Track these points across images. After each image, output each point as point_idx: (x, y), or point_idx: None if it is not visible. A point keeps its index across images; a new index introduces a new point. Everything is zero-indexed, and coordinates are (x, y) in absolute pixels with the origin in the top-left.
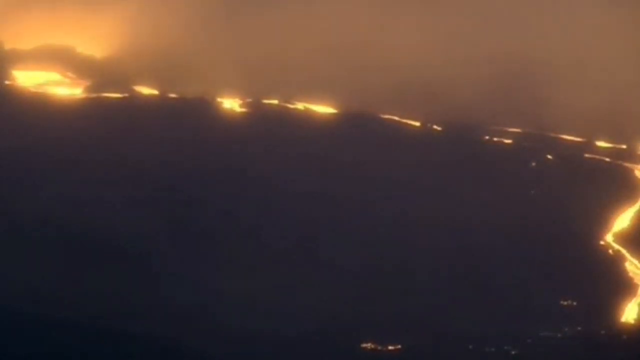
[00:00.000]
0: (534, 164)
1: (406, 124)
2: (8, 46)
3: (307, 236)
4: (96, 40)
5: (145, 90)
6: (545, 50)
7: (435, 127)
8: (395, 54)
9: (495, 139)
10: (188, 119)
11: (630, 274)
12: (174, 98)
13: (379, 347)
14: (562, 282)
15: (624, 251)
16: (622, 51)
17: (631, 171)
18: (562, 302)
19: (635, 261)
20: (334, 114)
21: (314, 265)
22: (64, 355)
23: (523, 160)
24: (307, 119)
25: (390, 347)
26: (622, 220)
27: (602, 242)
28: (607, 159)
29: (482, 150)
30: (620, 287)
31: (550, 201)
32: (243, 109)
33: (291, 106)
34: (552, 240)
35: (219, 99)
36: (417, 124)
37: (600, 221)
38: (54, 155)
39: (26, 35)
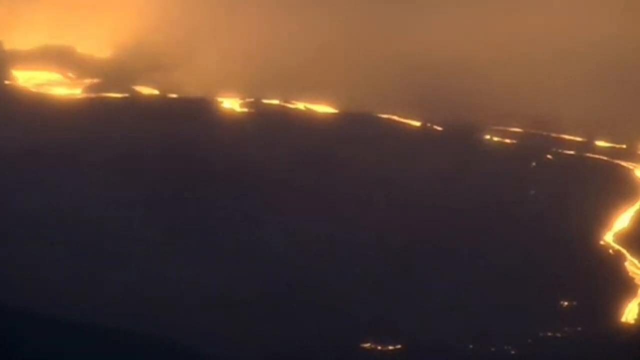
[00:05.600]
0: (534, 164)
1: (406, 124)
2: (8, 46)
3: (307, 236)
4: (96, 40)
5: (145, 90)
6: (545, 50)
7: (435, 127)
8: (396, 53)
9: (495, 139)
10: (188, 119)
11: (630, 274)
12: (174, 98)
13: (379, 347)
14: (562, 282)
15: (624, 251)
16: (622, 51)
17: (631, 171)
18: (562, 302)
19: (635, 261)
20: (334, 114)
21: (313, 265)
22: (63, 355)
23: (523, 160)
24: (307, 119)
25: (390, 347)
26: (622, 220)
27: (602, 242)
28: (607, 159)
29: (483, 150)
30: (620, 287)
31: (550, 201)
32: (243, 109)
33: (291, 106)
34: (552, 240)
35: (219, 99)
36: (417, 124)
37: (600, 221)
38: (54, 155)
39: (26, 35)
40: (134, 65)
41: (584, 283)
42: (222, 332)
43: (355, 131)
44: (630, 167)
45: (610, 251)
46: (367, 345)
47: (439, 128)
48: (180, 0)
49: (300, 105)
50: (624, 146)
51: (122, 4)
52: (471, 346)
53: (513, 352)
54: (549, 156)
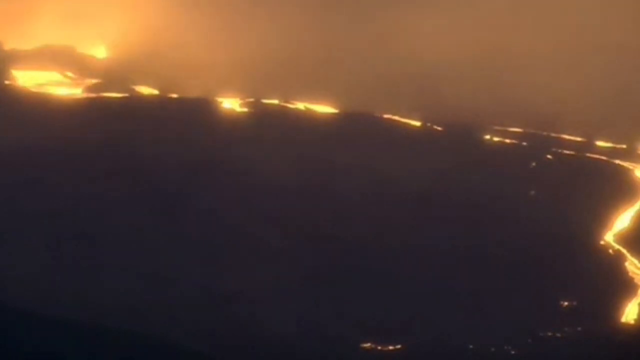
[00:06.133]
0: (534, 164)
1: (406, 124)
2: (8, 46)
3: (306, 236)
4: (96, 40)
5: (145, 90)
6: (546, 50)
7: (435, 127)
8: (396, 53)
9: (495, 138)
10: (188, 119)
11: (630, 274)
12: (174, 98)
13: (379, 347)
14: (562, 282)
15: (624, 251)
16: (622, 51)
17: (631, 171)
18: (562, 302)
19: (635, 261)
20: (334, 114)
21: (313, 265)
22: (63, 355)
23: (523, 160)
24: (307, 119)
25: (390, 347)
26: (622, 220)
27: (602, 242)
28: (607, 159)
29: (483, 150)
30: (620, 287)
31: (550, 201)
32: (243, 109)
33: (291, 106)
34: (552, 240)
35: (219, 99)
36: (417, 124)
37: (600, 221)
38: (54, 156)
39: (26, 35)
40: (134, 65)
41: (584, 283)
42: (221, 332)
43: (355, 131)
44: (630, 167)
45: (610, 251)
46: (367, 345)
47: (439, 128)
48: (180, 1)
49: (300, 105)
50: (624, 146)
51: (122, 4)
52: (471, 346)
53: (513, 352)
54: (549, 156)
